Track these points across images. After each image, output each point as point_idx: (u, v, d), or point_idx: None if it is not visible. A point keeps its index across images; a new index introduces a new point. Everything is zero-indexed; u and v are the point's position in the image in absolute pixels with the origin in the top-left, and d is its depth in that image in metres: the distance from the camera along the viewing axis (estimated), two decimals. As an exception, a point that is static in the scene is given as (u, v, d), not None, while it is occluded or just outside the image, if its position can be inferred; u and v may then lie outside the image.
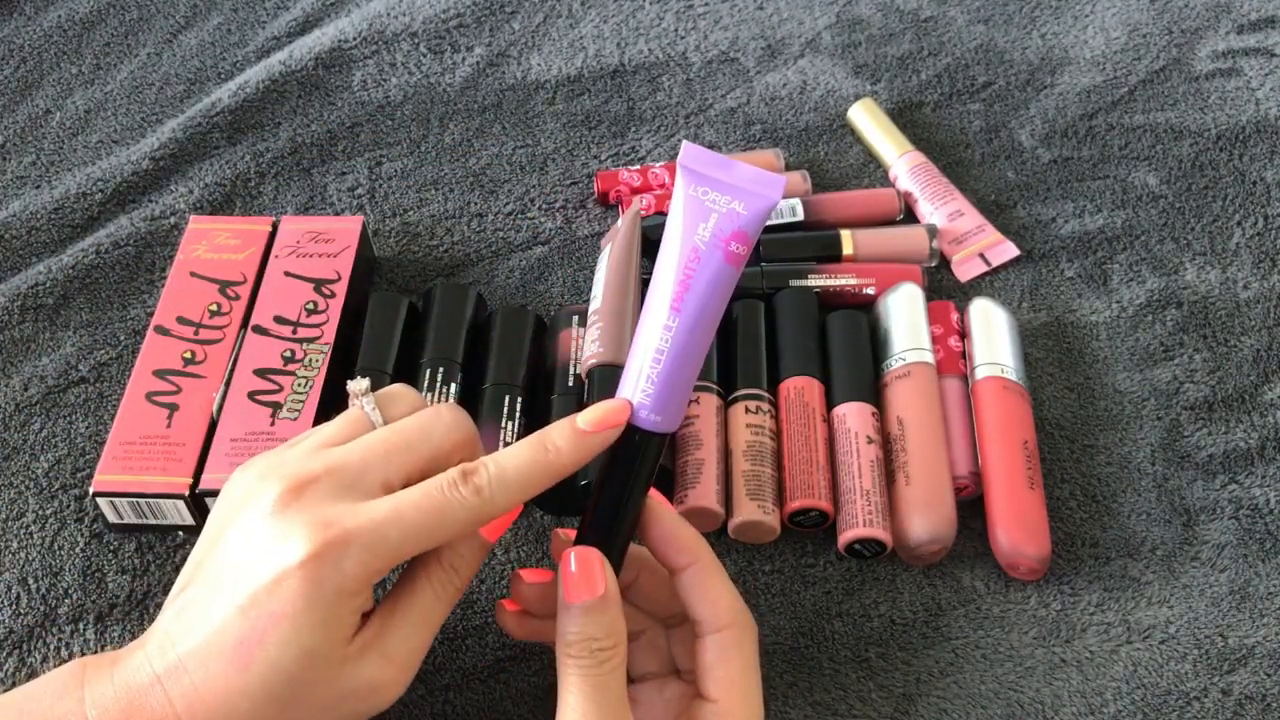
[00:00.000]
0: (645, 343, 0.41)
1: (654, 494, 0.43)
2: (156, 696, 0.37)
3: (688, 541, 0.42)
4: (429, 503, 0.39)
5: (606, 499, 0.41)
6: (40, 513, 0.54)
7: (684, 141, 0.42)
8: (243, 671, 0.37)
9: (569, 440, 0.41)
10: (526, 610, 0.44)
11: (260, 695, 0.37)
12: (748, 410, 0.54)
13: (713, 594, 0.42)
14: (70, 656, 0.49)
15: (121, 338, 0.60)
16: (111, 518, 0.52)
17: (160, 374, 0.54)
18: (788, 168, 0.67)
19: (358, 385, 0.43)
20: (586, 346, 0.55)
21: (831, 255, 0.61)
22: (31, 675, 0.48)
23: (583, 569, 0.40)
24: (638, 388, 0.41)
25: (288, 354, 0.55)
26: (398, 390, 0.44)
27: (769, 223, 0.58)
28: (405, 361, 0.56)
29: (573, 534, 0.43)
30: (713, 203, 0.40)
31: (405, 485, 0.40)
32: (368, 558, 0.38)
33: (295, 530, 0.38)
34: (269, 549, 0.38)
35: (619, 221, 0.61)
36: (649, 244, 0.60)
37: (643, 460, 0.41)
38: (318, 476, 0.39)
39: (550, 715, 0.42)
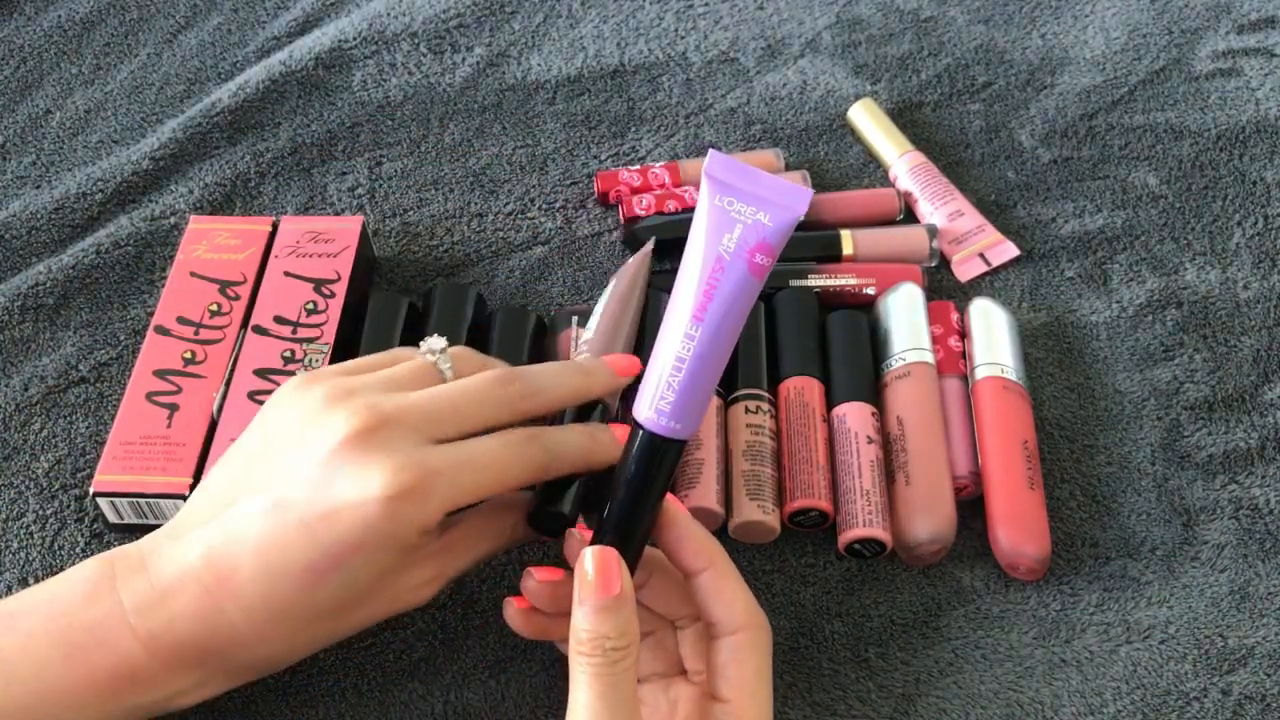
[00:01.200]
0: (666, 350, 0.41)
1: (670, 498, 0.43)
2: (206, 603, 0.40)
3: (703, 545, 0.43)
4: (504, 452, 0.42)
5: (624, 501, 0.42)
6: (40, 513, 0.54)
7: (710, 150, 0.42)
8: (312, 588, 0.39)
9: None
10: (535, 608, 0.44)
11: (327, 607, 0.40)
12: (747, 410, 0.54)
13: (728, 596, 0.42)
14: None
15: (121, 338, 0.60)
16: (112, 518, 0.52)
17: (160, 374, 0.54)
18: (788, 168, 0.67)
19: (436, 342, 0.45)
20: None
21: (831, 255, 0.61)
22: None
23: (600, 568, 0.40)
24: (657, 394, 0.41)
25: (288, 354, 0.55)
26: (465, 352, 0.47)
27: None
28: (405, 361, 0.56)
29: (588, 534, 0.43)
30: (738, 213, 0.40)
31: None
32: (450, 496, 0.41)
33: (379, 463, 0.39)
34: (350, 478, 0.40)
35: (631, 259, 0.60)
36: (638, 244, 0.60)
37: (660, 465, 0.42)
38: (398, 417, 0.41)
39: (550, 714, 0.42)
